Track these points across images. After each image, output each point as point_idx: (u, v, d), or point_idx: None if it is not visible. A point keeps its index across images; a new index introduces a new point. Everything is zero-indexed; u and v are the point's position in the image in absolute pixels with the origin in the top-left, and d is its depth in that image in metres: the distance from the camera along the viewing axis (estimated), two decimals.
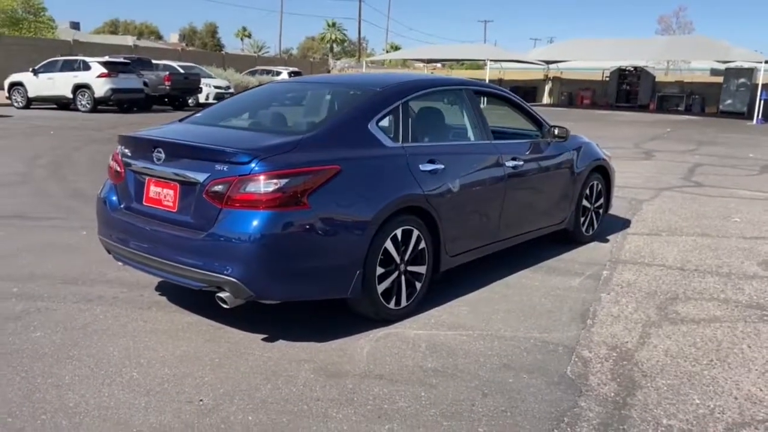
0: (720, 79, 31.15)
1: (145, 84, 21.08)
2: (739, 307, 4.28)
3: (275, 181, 3.23)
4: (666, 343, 3.67)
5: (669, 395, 3.07)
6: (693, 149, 14.61)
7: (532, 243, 5.31)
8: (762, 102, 24.83)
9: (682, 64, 37.81)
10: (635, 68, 33.61)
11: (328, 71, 47.32)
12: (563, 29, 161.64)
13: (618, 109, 31.82)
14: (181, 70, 23.81)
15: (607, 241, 5.95)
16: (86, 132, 14.11)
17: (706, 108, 30.80)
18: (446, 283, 4.47)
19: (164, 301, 4.07)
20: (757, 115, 24.94)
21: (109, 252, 3.96)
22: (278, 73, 30.67)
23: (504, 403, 2.95)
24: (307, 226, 3.31)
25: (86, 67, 19.77)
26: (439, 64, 46.10)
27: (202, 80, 24.12)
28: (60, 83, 19.85)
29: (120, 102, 20.35)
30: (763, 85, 24.87)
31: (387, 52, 61.72)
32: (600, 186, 5.93)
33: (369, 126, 3.78)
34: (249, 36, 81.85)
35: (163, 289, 4.26)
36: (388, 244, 3.69)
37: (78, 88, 19.66)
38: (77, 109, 19.75)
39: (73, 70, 19.90)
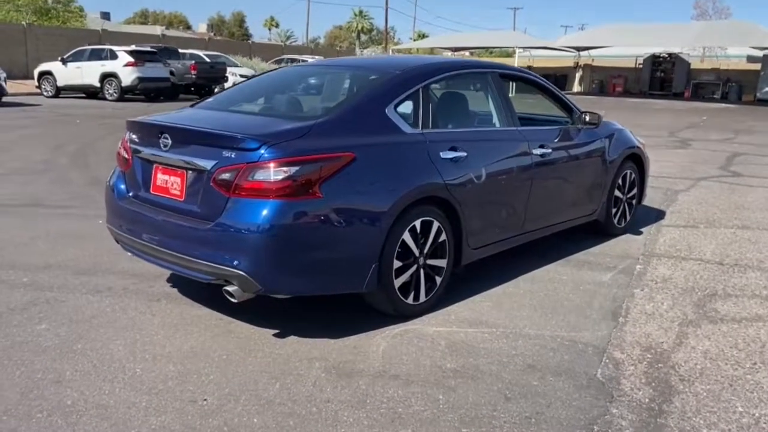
0: (757, 66, 30.14)
1: (172, 73, 21.13)
2: None
3: (285, 168, 3.05)
4: (705, 344, 3.41)
5: (709, 402, 2.82)
6: (730, 138, 14.06)
7: (560, 235, 5.06)
8: None
9: (718, 51, 36.65)
10: (669, 55, 32.68)
11: None
12: (595, 16, 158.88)
13: (651, 97, 31.03)
14: (207, 59, 23.83)
15: (640, 233, 5.65)
16: (112, 121, 14.13)
17: (743, 96, 29.79)
18: (468, 277, 4.26)
19: (175, 293, 3.93)
20: None
21: (117, 242, 3.83)
22: (304, 63, 30.51)
23: (528, 409, 2.74)
24: (320, 217, 3.12)
25: (113, 56, 19.87)
26: (467, 52, 45.47)
27: (228, 69, 24.09)
28: (88, 72, 19.98)
29: (146, 91, 20.42)
30: None
31: (414, 40, 61.13)
32: (633, 175, 5.62)
33: (386, 111, 3.57)
34: (277, 26, 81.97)
35: (174, 280, 4.12)
36: (406, 236, 3.49)
37: (105, 77, 19.76)
38: (105, 98, 19.88)
39: (100, 59, 20.02)
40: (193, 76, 22.03)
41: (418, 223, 3.55)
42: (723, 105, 26.86)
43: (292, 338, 3.35)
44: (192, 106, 4.08)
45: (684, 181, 8.43)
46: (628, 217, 5.67)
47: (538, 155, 4.40)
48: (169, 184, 3.39)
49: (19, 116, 14.59)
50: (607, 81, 34.03)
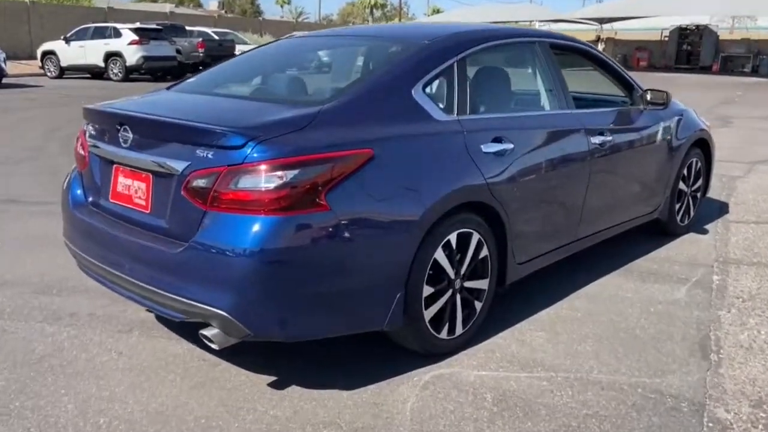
0: None
1: (178, 51, 20.31)
2: None
3: (280, 172, 2.26)
4: None
5: None
6: None
7: (613, 236, 4.23)
8: None
9: (748, 22, 35.03)
10: (697, 26, 31.32)
11: None
12: None
13: (677, 71, 29.72)
14: (216, 37, 22.98)
15: (705, 232, 4.81)
16: None
17: None
18: (509, 296, 3.46)
19: (151, 321, 3.18)
20: None
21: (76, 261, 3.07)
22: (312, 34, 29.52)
23: None
24: (327, 236, 2.34)
25: (117, 34, 19.09)
26: None
27: (237, 47, 23.19)
28: (91, 51, 19.23)
29: (152, 70, 19.60)
30: None
31: (428, 15, 59.60)
32: (699, 164, 4.77)
33: (413, 92, 2.75)
34: (288, 2, 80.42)
35: None
36: (439, 255, 2.70)
37: (110, 56, 19.00)
38: (110, 79, 19.12)
39: (104, 37, 19.25)
40: (201, 54, 21.19)
41: (453, 237, 2.76)
42: (755, 79, 25.58)
43: (293, 390, 2.59)
44: (169, 88, 3.28)
45: (738, 165, 7.52)
46: (692, 213, 4.83)
47: (596, 144, 3.57)
48: (133, 190, 2.62)
49: (17, 98, 13.89)
50: (631, 55, 32.67)
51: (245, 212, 2.27)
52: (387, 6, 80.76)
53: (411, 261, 2.58)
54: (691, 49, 31.67)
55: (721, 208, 5.50)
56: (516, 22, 45.11)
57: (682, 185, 4.60)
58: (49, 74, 19.88)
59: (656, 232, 4.61)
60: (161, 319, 3.18)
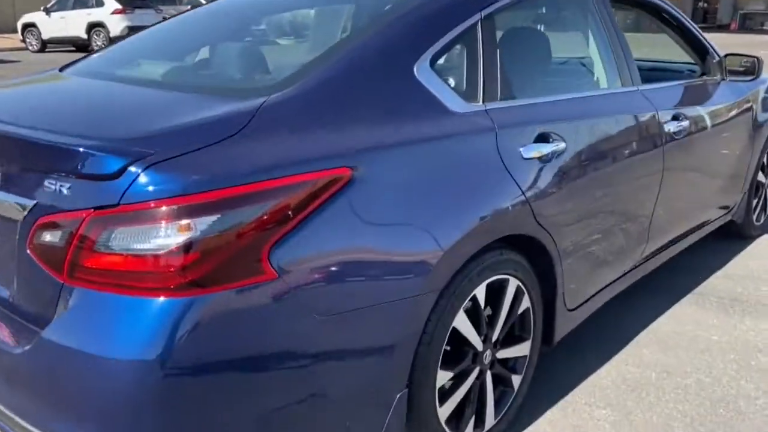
0: None
1: (165, 20, 19.11)
2: None
3: (186, 220, 1.29)
4: None
5: None
6: None
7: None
8: None
9: None
10: None
11: None
12: None
13: None
14: (205, 2, 21.70)
15: None
16: None
17: None
18: (554, 350, 2.51)
19: None
20: None
21: None
22: None
23: None
24: (272, 327, 1.38)
25: (100, 3, 17.92)
26: None
27: None
28: (73, 23, 18.10)
29: None
30: None
31: None
32: None
33: (416, 70, 1.75)
34: None
35: None
36: (460, 321, 1.75)
37: (92, 27, 17.87)
38: (94, 51, 17.99)
39: (86, 7, 18.09)
40: None
41: (481, 291, 1.80)
42: None
43: None
44: (62, 69, 2.27)
45: None
46: None
47: (672, 131, 2.58)
48: None
49: None
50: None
51: (125, 291, 1.30)
52: None
53: (417, 341, 1.63)
54: (707, 6, 30.11)
55: None
56: None
57: (760, 176, 3.62)
58: (30, 48, 18.80)
59: (723, 234, 3.64)
60: None
